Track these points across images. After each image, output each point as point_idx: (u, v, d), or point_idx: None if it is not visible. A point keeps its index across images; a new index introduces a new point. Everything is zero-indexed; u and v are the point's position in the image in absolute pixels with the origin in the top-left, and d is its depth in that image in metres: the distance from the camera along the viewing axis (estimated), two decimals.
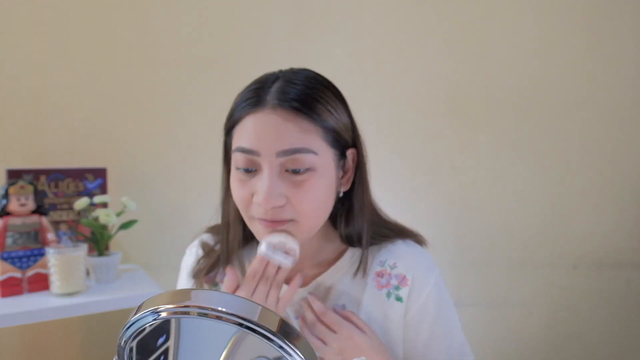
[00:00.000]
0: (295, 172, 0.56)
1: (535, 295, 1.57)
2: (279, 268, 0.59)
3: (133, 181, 1.35)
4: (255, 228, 0.60)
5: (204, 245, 0.73)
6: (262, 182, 0.56)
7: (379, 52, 1.49)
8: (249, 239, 0.68)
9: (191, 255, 0.74)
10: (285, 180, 0.56)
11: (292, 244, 0.58)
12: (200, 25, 1.39)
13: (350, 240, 0.67)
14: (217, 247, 0.70)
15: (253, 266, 0.60)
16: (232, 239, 0.67)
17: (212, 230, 0.75)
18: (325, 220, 0.62)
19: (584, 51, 1.55)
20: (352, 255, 0.67)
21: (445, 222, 1.53)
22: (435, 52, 1.51)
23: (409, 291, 0.64)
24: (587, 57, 1.55)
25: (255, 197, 0.57)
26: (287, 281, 0.63)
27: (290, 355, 0.29)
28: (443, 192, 1.53)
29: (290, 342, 0.29)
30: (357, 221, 0.65)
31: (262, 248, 0.59)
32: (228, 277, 0.62)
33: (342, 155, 0.62)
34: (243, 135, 0.57)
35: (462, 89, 1.53)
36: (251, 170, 0.57)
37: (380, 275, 0.66)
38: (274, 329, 0.29)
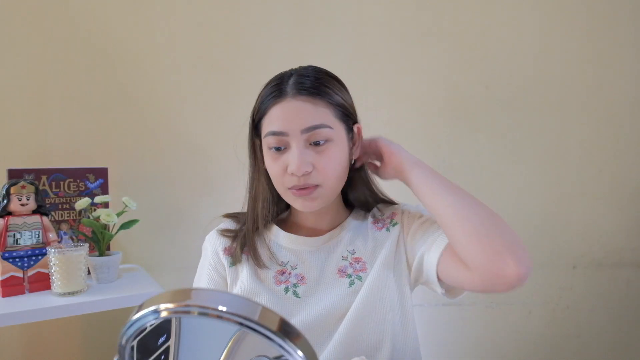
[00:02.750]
0: (317, 144, 0.71)
1: (535, 295, 1.57)
2: None
3: (134, 181, 1.36)
4: (288, 198, 0.76)
5: (225, 231, 0.84)
6: (293, 155, 0.71)
7: (379, 53, 1.50)
8: (268, 221, 0.83)
9: (211, 240, 0.84)
10: (310, 152, 0.71)
11: None
12: (201, 25, 1.40)
13: (358, 204, 0.86)
14: (241, 228, 0.83)
15: None
16: (261, 209, 0.81)
17: (231, 216, 0.87)
18: (342, 184, 0.77)
19: (584, 51, 1.55)
20: (356, 214, 0.85)
21: None
22: (435, 52, 1.52)
23: (399, 217, 0.82)
24: (587, 57, 1.55)
25: (289, 168, 0.71)
26: (311, 234, 0.81)
27: (290, 354, 0.30)
28: None
29: (290, 342, 0.30)
30: (361, 187, 0.84)
31: None
32: None
33: (350, 130, 0.78)
34: (272, 122, 0.72)
35: (462, 89, 1.53)
36: (282, 149, 0.72)
37: (376, 221, 0.83)
38: (275, 328, 0.29)
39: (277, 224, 0.84)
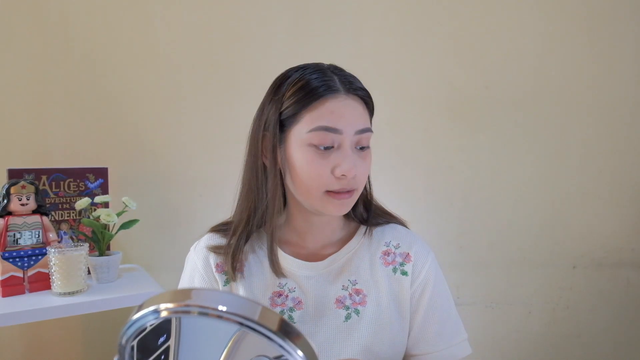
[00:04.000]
0: (362, 148, 0.68)
1: (535, 295, 1.57)
2: None
3: (134, 181, 1.36)
4: (323, 201, 0.67)
5: (215, 248, 0.75)
6: (347, 156, 0.65)
7: (380, 53, 1.50)
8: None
9: (200, 255, 0.75)
10: (357, 157, 0.67)
11: None
12: (201, 25, 1.40)
13: (360, 218, 0.78)
14: (230, 243, 0.74)
15: None
16: (272, 211, 0.71)
17: (218, 230, 0.78)
18: None
19: (584, 51, 1.55)
20: (361, 235, 0.77)
21: (445, 222, 1.53)
22: (435, 52, 1.52)
23: (413, 266, 0.74)
24: (587, 57, 1.55)
25: (339, 169, 0.64)
26: (311, 258, 0.73)
27: (290, 354, 0.30)
28: (443, 192, 1.53)
29: (290, 341, 0.30)
30: (367, 200, 0.78)
31: None
32: None
33: None
34: (324, 116, 0.65)
35: (462, 89, 1.53)
36: (329, 148, 0.65)
37: (386, 254, 0.75)
38: (275, 328, 0.29)
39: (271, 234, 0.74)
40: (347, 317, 0.70)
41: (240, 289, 0.72)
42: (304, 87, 0.66)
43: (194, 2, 1.39)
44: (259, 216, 0.72)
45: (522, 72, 1.54)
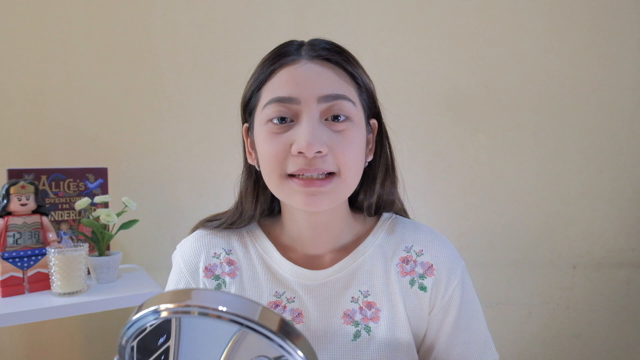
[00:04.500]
0: (336, 118, 0.54)
1: (535, 295, 1.57)
2: None
3: (134, 181, 1.36)
4: (287, 189, 0.55)
5: (202, 246, 0.67)
6: (303, 128, 0.52)
7: (379, 52, 1.50)
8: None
9: (186, 256, 0.66)
10: (326, 129, 0.54)
11: None
12: (200, 25, 1.40)
13: (370, 210, 0.66)
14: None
15: None
16: (245, 212, 0.65)
17: (209, 222, 0.69)
18: (356, 185, 0.59)
19: (584, 51, 1.55)
20: (373, 240, 0.64)
21: (445, 222, 1.53)
22: (435, 52, 1.51)
23: (435, 281, 0.61)
24: (587, 58, 1.55)
25: (295, 146, 0.52)
26: (313, 265, 0.63)
27: (290, 354, 0.30)
28: (443, 192, 1.53)
29: (290, 342, 0.30)
30: (381, 188, 0.64)
31: None
32: None
33: (367, 124, 0.61)
34: (278, 86, 0.55)
35: (462, 89, 1.53)
36: (286, 122, 0.54)
37: (405, 261, 0.62)
38: (275, 328, 0.29)
39: (269, 236, 0.66)
40: (356, 336, 0.58)
41: None
42: (262, 63, 0.60)
43: (194, 2, 1.39)
44: (246, 218, 0.64)
45: (522, 72, 1.54)
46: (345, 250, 0.63)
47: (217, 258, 0.64)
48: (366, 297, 0.60)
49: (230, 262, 0.64)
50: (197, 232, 0.68)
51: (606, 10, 1.54)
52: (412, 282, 0.61)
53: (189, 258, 0.65)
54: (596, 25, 1.55)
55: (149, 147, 1.37)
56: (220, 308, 0.29)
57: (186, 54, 1.39)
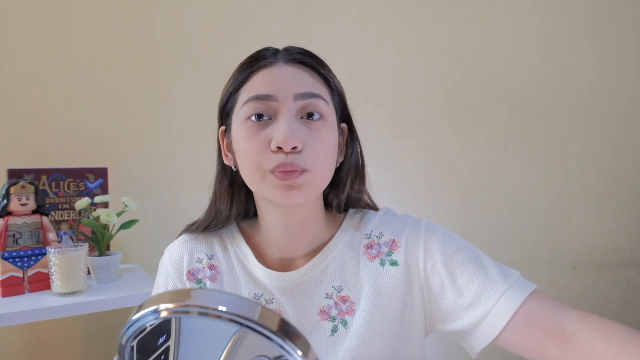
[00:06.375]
0: (310, 116, 0.58)
1: None
2: None
3: (134, 181, 1.36)
4: (267, 184, 0.57)
5: (186, 250, 0.69)
6: (281, 124, 0.56)
7: (379, 52, 1.50)
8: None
9: (173, 259, 0.69)
10: (301, 126, 0.57)
11: None
12: (200, 25, 1.40)
13: (340, 208, 0.69)
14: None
15: None
16: (220, 213, 0.68)
17: (191, 230, 0.73)
18: (329, 181, 0.61)
19: (583, 51, 1.55)
20: (342, 236, 0.66)
21: (444, 222, 1.52)
22: (435, 52, 1.52)
23: (405, 252, 0.62)
24: (587, 58, 1.55)
25: (273, 141, 0.55)
26: (286, 267, 0.65)
27: (290, 354, 0.30)
28: (443, 192, 1.53)
29: (290, 341, 0.30)
30: (351, 187, 0.67)
31: None
32: None
33: (339, 126, 0.64)
34: (256, 85, 0.58)
35: (462, 89, 1.53)
36: (264, 120, 0.57)
37: (369, 247, 0.64)
38: (274, 328, 0.29)
39: (247, 240, 0.68)
40: (334, 330, 0.60)
41: None
42: (239, 67, 0.63)
43: (195, 3, 1.39)
44: (222, 220, 0.67)
45: (522, 72, 1.54)
46: (317, 251, 0.66)
47: (200, 263, 0.67)
48: (339, 291, 0.62)
49: (211, 267, 0.67)
50: (182, 237, 0.72)
51: (606, 11, 1.55)
52: (382, 263, 0.62)
53: (175, 262, 0.68)
54: (596, 26, 1.55)
55: (149, 147, 1.38)
56: (220, 308, 0.29)
57: (186, 54, 1.39)
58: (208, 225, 0.69)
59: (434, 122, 1.52)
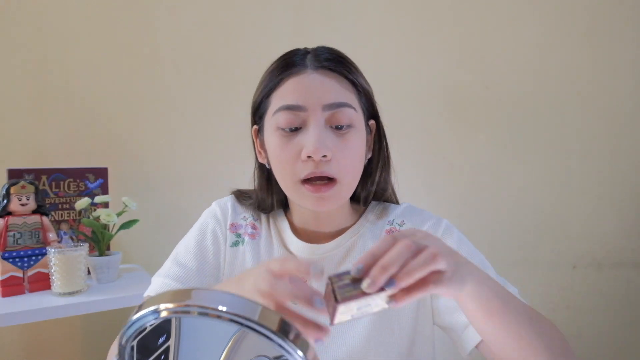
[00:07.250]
0: (339, 128, 0.60)
1: (535, 295, 1.57)
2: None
3: (134, 181, 1.36)
4: (299, 194, 0.62)
5: (236, 206, 0.75)
6: (311, 134, 0.58)
7: (379, 52, 1.50)
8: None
9: (221, 209, 0.74)
10: (330, 135, 0.60)
11: None
12: (201, 25, 1.40)
13: (367, 199, 0.73)
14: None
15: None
16: (264, 202, 0.72)
17: (241, 194, 0.77)
18: (357, 183, 0.66)
19: (583, 52, 1.55)
20: (364, 222, 0.71)
21: None
22: (435, 53, 1.52)
23: None
24: (587, 58, 1.55)
25: (304, 151, 0.58)
26: (316, 242, 0.69)
27: (290, 354, 0.30)
28: (443, 192, 1.53)
29: (290, 341, 0.30)
30: (379, 181, 0.71)
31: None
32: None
33: (366, 125, 0.67)
34: (285, 95, 0.61)
35: (462, 89, 1.53)
36: (295, 129, 0.60)
37: (390, 232, 0.68)
38: (274, 328, 0.29)
39: (287, 216, 0.74)
40: None
41: (247, 257, 0.69)
42: (270, 71, 0.65)
43: (195, 3, 1.39)
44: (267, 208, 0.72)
45: (522, 72, 1.54)
46: (342, 232, 0.71)
47: (244, 220, 0.73)
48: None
49: (254, 227, 0.72)
50: (232, 197, 0.77)
51: (606, 11, 1.55)
52: None
53: (222, 212, 0.73)
54: (596, 26, 1.55)
55: (149, 147, 1.37)
56: (220, 308, 0.29)
57: (186, 54, 1.39)
58: (258, 207, 0.74)
59: (434, 122, 1.52)
